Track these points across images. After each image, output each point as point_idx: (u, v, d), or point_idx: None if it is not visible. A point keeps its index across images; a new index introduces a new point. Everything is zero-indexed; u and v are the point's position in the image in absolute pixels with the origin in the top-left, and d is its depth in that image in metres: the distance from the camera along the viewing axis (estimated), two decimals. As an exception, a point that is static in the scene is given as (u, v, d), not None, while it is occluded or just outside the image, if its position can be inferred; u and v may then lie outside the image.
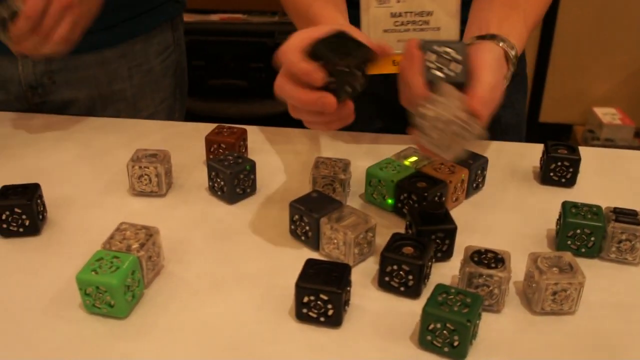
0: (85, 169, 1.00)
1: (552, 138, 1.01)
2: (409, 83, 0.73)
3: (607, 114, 3.09)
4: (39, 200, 0.83)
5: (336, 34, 0.73)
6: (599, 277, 0.77)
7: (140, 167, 0.90)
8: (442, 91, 0.71)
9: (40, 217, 0.84)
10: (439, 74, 0.73)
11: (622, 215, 0.80)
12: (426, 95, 0.71)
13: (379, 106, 1.14)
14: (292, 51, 0.71)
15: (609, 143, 3.02)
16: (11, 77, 1.19)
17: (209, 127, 1.02)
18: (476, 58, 0.75)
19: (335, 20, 0.82)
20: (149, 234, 0.74)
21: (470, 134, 0.71)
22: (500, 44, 0.76)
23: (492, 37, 0.77)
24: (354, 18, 0.89)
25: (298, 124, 1.22)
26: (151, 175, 0.90)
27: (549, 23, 3.06)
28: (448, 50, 0.73)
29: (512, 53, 0.75)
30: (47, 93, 1.21)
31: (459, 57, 0.73)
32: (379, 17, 0.88)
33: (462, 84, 0.73)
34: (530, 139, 1.15)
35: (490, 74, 0.73)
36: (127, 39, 1.22)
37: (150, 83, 1.28)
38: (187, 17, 2.56)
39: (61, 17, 0.96)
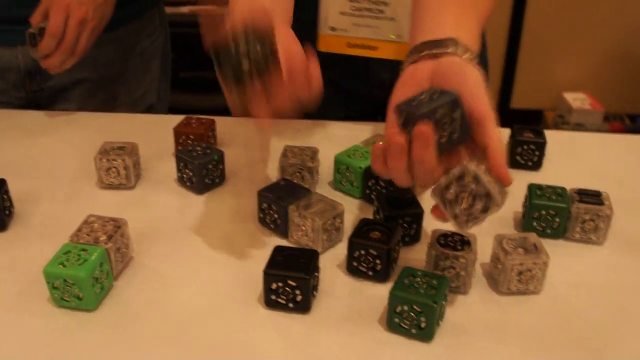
0: (52, 163, 0.99)
1: (523, 124, 1.02)
2: (425, 164, 0.64)
3: (576, 99, 3.12)
4: (5, 196, 0.83)
5: None
6: (563, 257, 0.79)
7: (108, 160, 0.90)
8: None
9: (7, 212, 0.83)
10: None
11: (585, 196, 0.82)
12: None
13: (342, 96, 1.14)
14: None
15: (579, 128, 3.05)
16: (10, 65, 1.20)
17: (178, 118, 1.02)
18: (472, 100, 0.65)
19: None
20: (117, 226, 0.74)
21: (496, 205, 0.63)
22: (465, 56, 0.69)
23: (455, 45, 0.70)
24: (312, 3, 0.89)
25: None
26: (119, 168, 0.90)
27: (518, 10, 3.08)
28: (458, 120, 0.64)
29: (476, 61, 0.72)
30: (45, 80, 1.23)
31: (455, 136, 0.65)
32: (337, 0, 0.88)
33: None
34: (502, 125, 1.16)
35: (493, 124, 0.65)
36: (124, 23, 1.25)
37: (141, 63, 1.32)
38: (156, 10, 2.54)
39: (80, 32, 1.04)
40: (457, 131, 0.65)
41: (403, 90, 0.71)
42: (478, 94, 0.66)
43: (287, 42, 0.74)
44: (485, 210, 0.62)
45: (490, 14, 0.84)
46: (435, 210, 0.67)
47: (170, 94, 1.48)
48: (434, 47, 0.71)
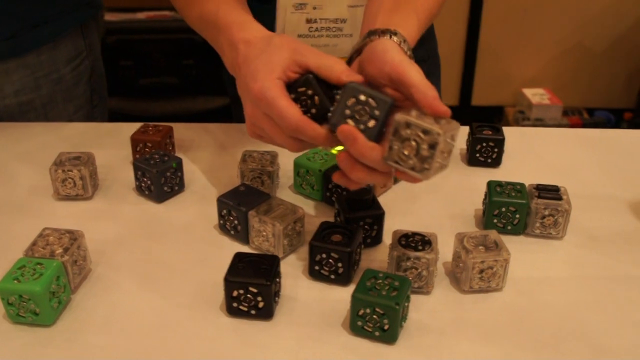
0: (5, 175, 0.97)
1: (484, 120, 1.03)
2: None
3: (536, 95, 3.16)
4: (-43, 211, 0.81)
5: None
6: (524, 252, 0.79)
7: (63, 171, 0.88)
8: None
9: (-40, 227, 0.81)
10: (350, 122, 0.66)
11: (544, 191, 0.82)
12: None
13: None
14: (278, 95, 0.68)
15: (539, 123, 3.09)
16: None
17: (135, 126, 1.01)
18: (384, 64, 0.68)
19: (245, 23, 0.79)
20: (74, 238, 0.73)
21: (437, 134, 0.62)
22: (384, 36, 0.71)
23: (373, 33, 0.72)
24: (266, 12, 0.88)
25: (227, 119, 1.22)
26: (75, 179, 0.88)
27: (476, 8, 3.11)
28: (371, 102, 0.65)
29: (398, 39, 0.73)
30: None
31: (377, 114, 0.65)
32: (295, 23, 0.88)
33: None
34: (464, 122, 1.16)
35: (415, 70, 0.66)
36: (30, 49, 1.15)
37: (61, 92, 1.21)
38: (111, 17, 2.51)
39: None
40: (374, 110, 0.65)
41: None
42: (385, 58, 0.67)
43: None
44: (432, 146, 0.61)
45: (438, 7, 0.85)
46: (335, 176, 0.68)
47: (128, 102, 1.43)
48: (360, 44, 0.73)
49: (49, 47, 1.17)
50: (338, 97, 0.67)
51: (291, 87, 0.70)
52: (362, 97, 0.65)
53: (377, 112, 0.65)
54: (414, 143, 0.62)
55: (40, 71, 1.17)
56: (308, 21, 0.88)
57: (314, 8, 0.87)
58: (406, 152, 0.62)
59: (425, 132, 0.61)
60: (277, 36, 0.73)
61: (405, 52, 0.71)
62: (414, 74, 0.65)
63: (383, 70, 0.67)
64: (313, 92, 0.68)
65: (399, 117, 0.62)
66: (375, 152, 0.64)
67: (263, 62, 0.71)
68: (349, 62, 0.74)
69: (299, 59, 0.70)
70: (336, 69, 0.68)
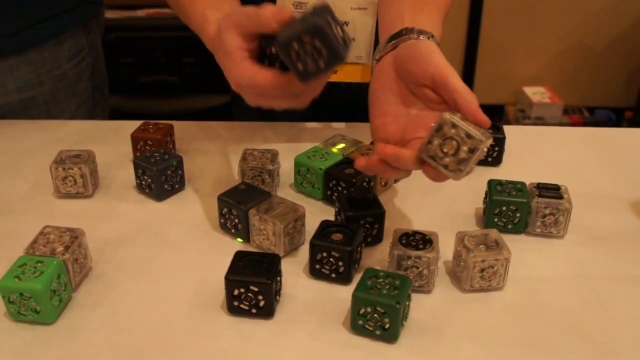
0: (6, 173, 0.97)
1: (485, 119, 1.03)
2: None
3: (536, 93, 3.16)
4: (-43, 209, 0.81)
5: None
6: (525, 251, 0.79)
7: (64, 169, 0.88)
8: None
9: (-40, 225, 0.81)
10: (292, 54, 0.65)
11: (545, 190, 0.82)
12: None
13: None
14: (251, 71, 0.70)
15: (540, 121, 3.09)
16: None
17: (136, 124, 1.00)
18: (429, 65, 0.69)
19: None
20: (74, 236, 0.73)
21: (480, 141, 0.64)
22: (422, 37, 0.74)
23: (410, 31, 0.75)
24: None
25: (227, 117, 1.22)
26: (76, 177, 0.88)
27: (476, 6, 3.11)
28: (323, 51, 0.64)
29: (435, 42, 0.74)
30: None
31: (322, 66, 0.65)
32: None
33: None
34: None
35: (458, 77, 0.68)
36: (33, 46, 1.15)
37: (64, 88, 1.22)
38: (111, 14, 2.50)
39: None
40: (322, 55, 0.65)
41: (374, 86, 0.75)
42: (431, 59, 0.70)
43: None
44: (472, 150, 0.64)
45: (451, 3, 0.88)
46: (358, 161, 0.70)
47: (129, 99, 1.43)
48: (392, 39, 0.75)
49: (51, 44, 1.17)
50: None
51: (263, 55, 0.71)
52: (317, 43, 0.64)
53: (321, 64, 0.65)
54: (455, 143, 0.64)
55: (43, 68, 1.17)
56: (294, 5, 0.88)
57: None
58: (445, 150, 0.65)
59: (469, 136, 0.64)
60: (222, 22, 0.74)
61: (429, 41, 0.73)
62: (457, 81, 0.68)
63: (427, 70, 0.69)
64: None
65: (447, 115, 0.65)
66: (413, 160, 0.67)
67: (223, 54, 0.73)
68: (379, 57, 0.77)
69: (243, 32, 0.71)
70: (263, 18, 0.68)
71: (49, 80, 1.18)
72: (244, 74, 0.70)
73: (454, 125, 0.64)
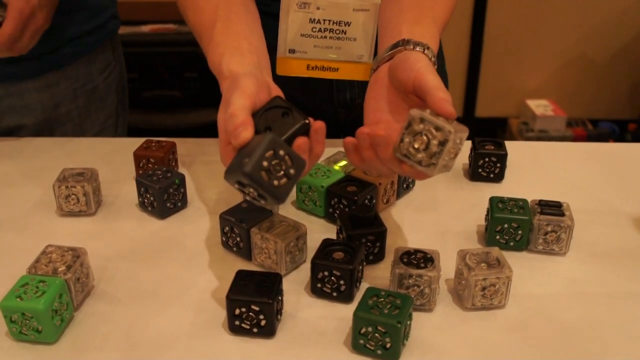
0: (10, 190, 0.98)
1: (488, 132, 1.03)
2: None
3: (539, 106, 3.16)
4: (-40, 228, 0.81)
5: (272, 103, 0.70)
6: (527, 269, 0.79)
7: (67, 187, 0.88)
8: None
9: (-37, 244, 0.81)
10: (263, 174, 0.63)
11: (547, 207, 0.82)
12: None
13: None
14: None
15: (543, 134, 3.08)
16: None
17: (139, 141, 1.01)
18: (411, 71, 0.71)
19: (238, 49, 0.79)
20: (76, 255, 0.73)
21: (449, 132, 0.65)
22: (417, 48, 0.75)
23: (407, 43, 0.76)
24: (271, 27, 0.89)
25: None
26: (79, 195, 0.89)
27: (479, 19, 3.12)
28: (287, 159, 0.64)
29: (430, 54, 0.75)
30: None
31: (292, 173, 0.64)
32: (299, 21, 0.88)
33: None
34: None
35: (433, 77, 0.70)
36: (71, 61, 1.19)
37: (94, 102, 1.26)
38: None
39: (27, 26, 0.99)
40: (290, 168, 0.64)
41: (370, 94, 0.78)
42: (414, 66, 0.71)
43: None
44: (442, 143, 0.64)
45: (449, 15, 0.89)
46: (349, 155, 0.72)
47: (133, 114, 1.44)
48: (390, 50, 0.77)
49: (86, 59, 1.22)
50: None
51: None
52: (281, 152, 0.63)
53: (292, 172, 0.64)
54: (425, 138, 0.65)
55: (77, 82, 1.21)
56: (311, 21, 0.88)
57: (317, 8, 0.87)
58: (416, 146, 0.66)
59: (438, 128, 0.65)
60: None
61: (434, 65, 0.75)
62: (431, 79, 0.69)
63: (409, 77, 0.71)
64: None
65: (414, 111, 0.66)
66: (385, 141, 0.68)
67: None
68: (376, 67, 0.78)
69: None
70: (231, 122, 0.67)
71: (83, 95, 1.23)
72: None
73: (422, 120, 0.65)
